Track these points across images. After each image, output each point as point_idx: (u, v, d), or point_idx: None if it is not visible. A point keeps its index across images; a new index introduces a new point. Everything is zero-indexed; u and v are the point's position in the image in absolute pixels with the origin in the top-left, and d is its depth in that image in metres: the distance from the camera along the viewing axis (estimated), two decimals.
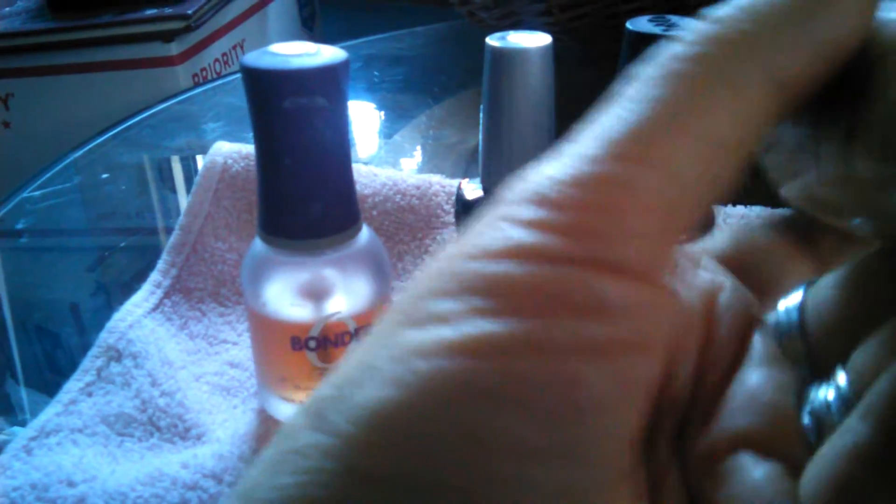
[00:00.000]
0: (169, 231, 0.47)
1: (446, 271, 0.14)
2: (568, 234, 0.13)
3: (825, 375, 0.15)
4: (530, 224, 0.13)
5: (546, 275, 0.13)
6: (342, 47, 0.32)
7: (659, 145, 0.14)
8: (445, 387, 0.12)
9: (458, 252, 0.14)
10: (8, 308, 0.52)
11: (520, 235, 0.13)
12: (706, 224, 0.38)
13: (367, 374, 0.13)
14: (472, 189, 0.38)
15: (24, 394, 0.45)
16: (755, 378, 0.16)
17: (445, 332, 0.13)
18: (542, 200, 0.14)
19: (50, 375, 0.46)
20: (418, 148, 0.67)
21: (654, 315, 0.14)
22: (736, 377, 0.16)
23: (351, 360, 0.14)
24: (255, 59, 0.31)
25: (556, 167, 0.14)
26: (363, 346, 0.14)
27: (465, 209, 0.38)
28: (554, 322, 0.13)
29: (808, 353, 0.17)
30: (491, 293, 0.13)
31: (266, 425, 0.36)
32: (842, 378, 0.15)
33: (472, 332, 0.13)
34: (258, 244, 0.35)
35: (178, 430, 0.36)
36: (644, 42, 0.36)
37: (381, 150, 0.68)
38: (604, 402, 0.13)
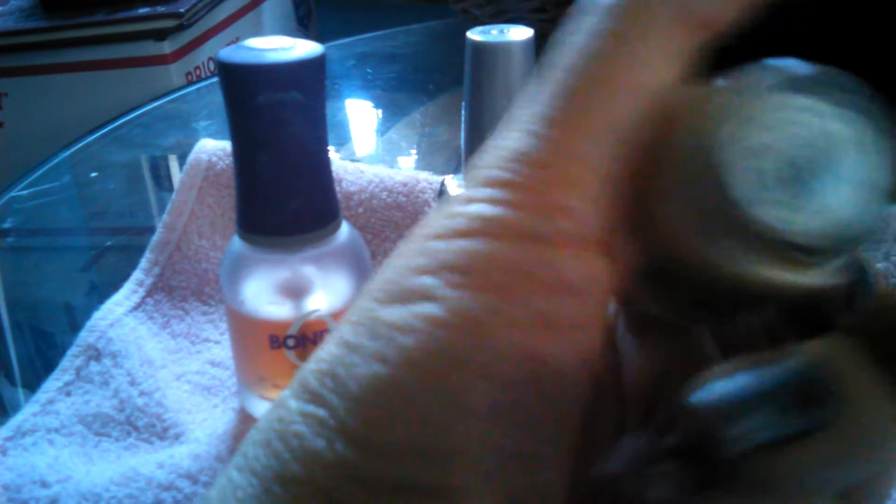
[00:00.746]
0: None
1: (419, 250, 0.14)
2: (527, 208, 0.14)
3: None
4: (492, 202, 0.14)
5: (512, 251, 0.14)
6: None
7: (595, 106, 0.14)
8: (427, 359, 0.13)
9: (427, 232, 0.15)
10: (4, 308, 0.52)
11: (484, 213, 0.14)
12: None
13: (352, 351, 0.14)
14: (455, 185, 0.38)
15: (21, 394, 0.45)
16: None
17: (423, 307, 0.14)
18: (499, 180, 0.14)
19: (44, 375, 0.46)
20: (412, 144, 0.67)
21: (604, 290, 0.15)
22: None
23: (334, 336, 0.15)
24: (230, 53, 0.31)
25: (505, 144, 0.15)
26: (345, 321, 0.15)
27: None
28: (521, 298, 0.14)
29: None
30: (463, 269, 0.14)
31: (245, 424, 0.36)
32: None
33: (449, 305, 0.14)
34: (236, 242, 0.34)
35: (157, 429, 0.36)
36: None
37: (374, 147, 0.67)
38: (561, 373, 0.14)
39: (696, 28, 0.15)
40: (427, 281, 0.14)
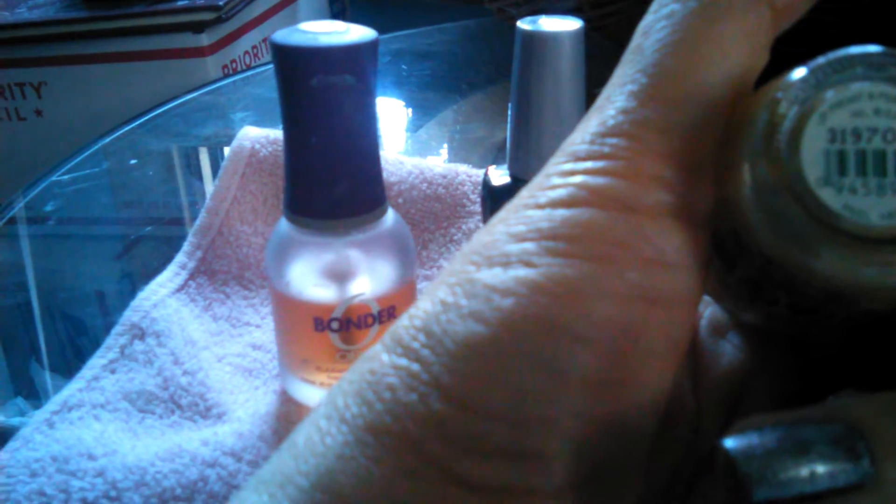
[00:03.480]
0: (195, 219, 0.48)
1: (518, 218, 0.15)
2: (625, 178, 0.14)
3: None
4: (592, 173, 0.14)
5: (611, 222, 0.14)
6: None
7: (682, 81, 0.15)
8: (526, 323, 0.14)
9: (526, 202, 0.15)
10: (35, 293, 0.52)
11: (584, 183, 0.14)
12: None
13: (448, 309, 0.14)
14: (498, 175, 0.38)
15: (48, 378, 0.45)
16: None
17: (524, 272, 0.14)
18: (596, 153, 0.15)
19: (74, 361, 0.46)
20: (444, 142, 0.67)
21: (697, 265, 0.15)
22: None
23: (427, 296, 0.15)
24: (284, 36, 0.31)
25: (599, 121, 0.15)
26: (438, 282, 0.15)
27: (491, 195, 0.38)
28: (619, 269, 0.14)
29: None
30: (564, 237, 0.14)
31: (287, 406, 0.36)
32: None
33: (549, 272, 0.14)
34: (283, 224, 0.34)
35: (199, 408, 0.36)
36: None
37: (407, 143, 0.68)
38: (652, 350, 0.14)
39: (775, 11, 0.15)
40: (527, 247, 0.14)
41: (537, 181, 0.15)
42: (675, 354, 0.15)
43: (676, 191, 0.14)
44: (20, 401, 0.44)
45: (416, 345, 0.14)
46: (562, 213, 0.14)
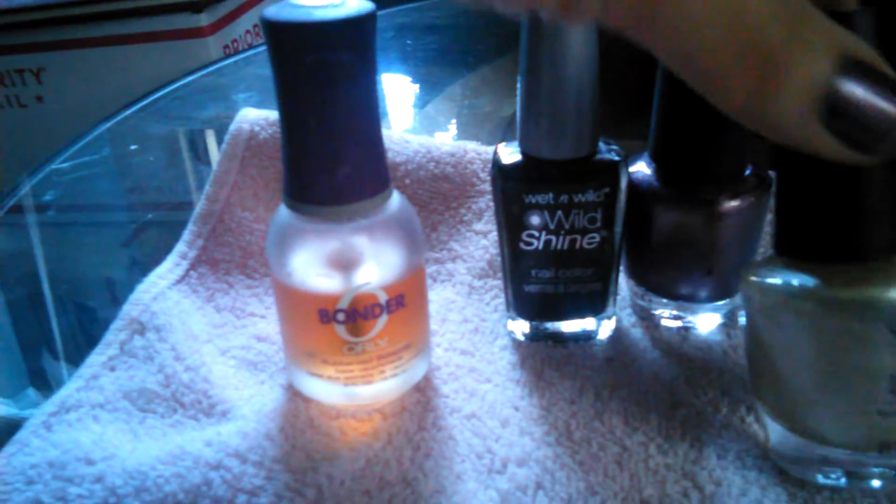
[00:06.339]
0: None
1: None
2: None
3: None
4: None
5: None
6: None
7: None
8: None
9: None
10: (47, 283, 0.51)
11: None
12: None
13: None
14: (508, 153, 0.36)
15: (64, 368, 0.44)
16: None
17: None
18: None
19: (86, 350, 0.45)
20: (452, 118, 0.65)
21: None
22: None
23: None
24: (276, 11, 0.29)
25: None
26: None
27: (501, 173, 0.36)
28: None
29: None
30: None
31: (294, 402, 0.34)
32: None
33: None
34: (283, 211, 0.33)
35: (203, 406, 0.34)
36: None
37: (415, 120, 0.66)
38: None
39: None
40: None
41: None
42: None
43: None
44: (31, 392, 0.43)
45: None
46: None
